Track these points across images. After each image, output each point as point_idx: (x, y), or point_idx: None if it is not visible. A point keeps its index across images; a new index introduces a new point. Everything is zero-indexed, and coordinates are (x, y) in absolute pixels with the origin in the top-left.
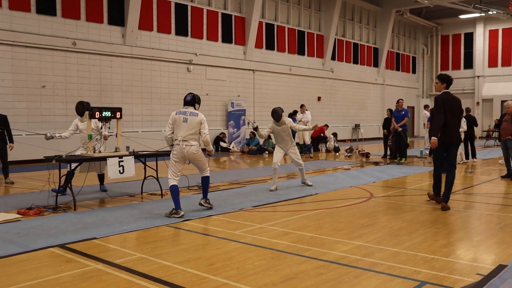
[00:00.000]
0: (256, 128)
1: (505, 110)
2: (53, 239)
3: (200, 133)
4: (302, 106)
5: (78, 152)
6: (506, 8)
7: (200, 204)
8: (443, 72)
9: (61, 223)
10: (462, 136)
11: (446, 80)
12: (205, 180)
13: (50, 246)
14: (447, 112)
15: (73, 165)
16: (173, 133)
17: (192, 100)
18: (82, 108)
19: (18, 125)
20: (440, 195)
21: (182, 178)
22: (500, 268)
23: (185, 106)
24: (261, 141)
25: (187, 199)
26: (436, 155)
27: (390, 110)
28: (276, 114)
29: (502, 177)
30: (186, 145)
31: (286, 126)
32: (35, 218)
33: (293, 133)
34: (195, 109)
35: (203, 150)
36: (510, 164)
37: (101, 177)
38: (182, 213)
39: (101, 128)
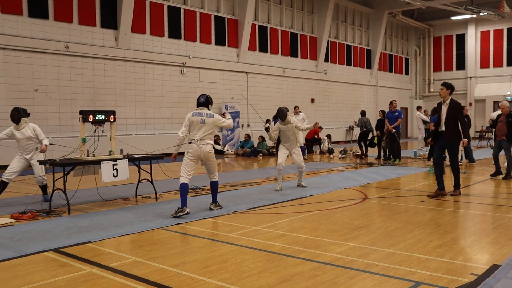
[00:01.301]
0: (267, 129)
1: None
2: (48, 243)
3: (222, 129)
4: (295, 107)
5: (15, 160)
6: (497, 10)
7: (210, 208)
8: (434, 74)
9: (55, 227)
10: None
11: (451, 87)
12: (214, 185)
13: (45, 250)
14: None
15: (12, 176)
16: (187, 134)
17: (206, 102)
18: (18, 115)
19: None
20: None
21: (175, 181)
22: (494, 268)
23: (200, 108)
24: (255, 143)
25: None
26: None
27: (382, 111)
28: (282, 113)
29: (491, 175)
30: (202, 144)
31: (291, 125)
32: (29, 222)
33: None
34: (209, 109)
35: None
36: (499, 163)
37: (43, 188)
38: (187, 210)
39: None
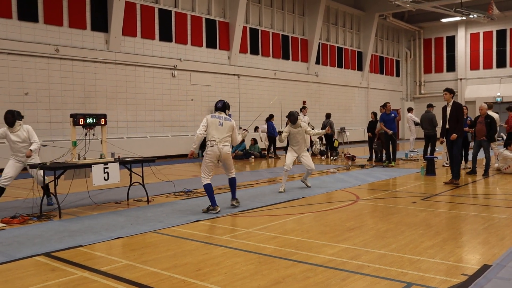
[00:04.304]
0: (280, 132)
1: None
2: (38, 247)
3: (231, 136)
4: (304, 108)
5: (10, 165)
6: (487, 12)
7: (232, 205)
8: (425, 76)
9: (46, 231)
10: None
11: (453, 92)
12: (233, 181)
13: (35, 254)
14: None
15: (8, 182)
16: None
17: (223, 107)
18: (12, 118)
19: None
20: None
21: (166, 184)
22: (485, 268)
23: (218, 111)
24: (247, 146)
25: (174, 205)
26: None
27: (374, 113)
28: (293, 117)
29: (467, 173)
30: (223, 145)
31: (301, 129)
32: (20, 226)
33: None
34: (226, 114)
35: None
36: (476, 163)
37: (46, 189)
38: (218, 209)
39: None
